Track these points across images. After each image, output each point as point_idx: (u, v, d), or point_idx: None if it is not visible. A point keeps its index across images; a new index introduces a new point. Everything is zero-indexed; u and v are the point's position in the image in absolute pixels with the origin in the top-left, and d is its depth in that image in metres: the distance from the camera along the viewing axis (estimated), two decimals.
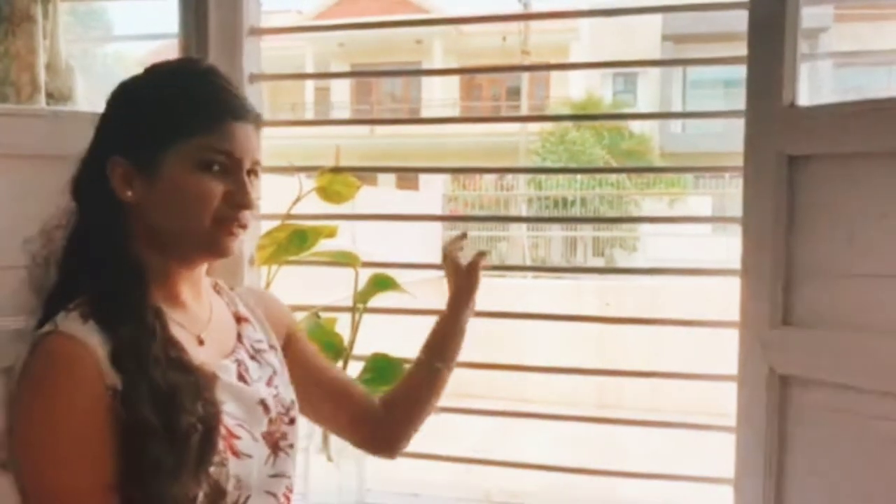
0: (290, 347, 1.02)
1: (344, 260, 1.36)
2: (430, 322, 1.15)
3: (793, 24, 1.14)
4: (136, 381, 0.77)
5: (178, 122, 0.84)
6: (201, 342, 0.89)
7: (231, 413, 0.85)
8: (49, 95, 1.32)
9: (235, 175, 0.86)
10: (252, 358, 0.94)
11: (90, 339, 0.77)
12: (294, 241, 1.34)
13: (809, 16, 1.17)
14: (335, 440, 1.28)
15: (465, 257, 1.15)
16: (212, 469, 0.80)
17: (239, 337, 0.95)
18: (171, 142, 0.83)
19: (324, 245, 1.38)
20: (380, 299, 1.37)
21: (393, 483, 1.50)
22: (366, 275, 1.37)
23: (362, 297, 1.35)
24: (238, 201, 0.86)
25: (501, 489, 1.52)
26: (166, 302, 0.86)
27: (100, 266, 0.83)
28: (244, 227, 0.88)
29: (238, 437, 0.84)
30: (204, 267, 0.93)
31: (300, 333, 1.06)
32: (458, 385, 1.15)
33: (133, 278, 0.83)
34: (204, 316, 0.92)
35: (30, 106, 1.22)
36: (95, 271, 0.83)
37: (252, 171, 0.89)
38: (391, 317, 1.43)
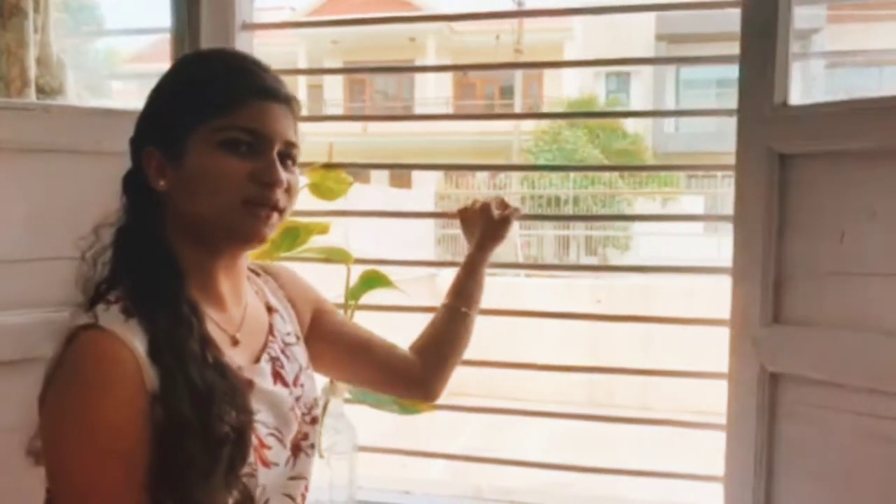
0: (318, 322, 1.02)
1: (336, 257, 1.36)
2: (422, 319, 1.16)
3: (785, 23, 1.15)
4: (175, 377, 0.74)
5: (199, 104, 0.81)
6: (236, 342, 0.86)
7: (264, 422, 0.83)
8: (39, 90, 1.32)
9: (264, 154, 0.82)
10: (282, 352, 0.92)
11: (132, 338, 0.75)
12: (286, 238, 1.33)
13: (802, 17, 1.18)
14: (326, 437, 1.28)
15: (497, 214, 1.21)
16: (243, 479, 0.78)
17: (271, 329, 0.92)
18: (194, 125, 0.81)
19: (316, 241, 1.38)
20: (371, 296, 1.37)
21: (384, 480, 1.50)
22: (357, 272, 1.37)
23: (354, 294, 1.35)
24: (265, 179, 0.81)
25: (493, 487, 1.52)
26: (204, 299, 0.84)
27: (137, 258, 0.81)
28: (277, 209, 0.84)
29: (269, 448, 0.83)
30: (244, 261, 0.90)
31: (326, 305, 1.05)
32: (452, 384, 1.16)
33: (168, 270, 0.81)
34: (239, 315, 0.89)
35: (19, 100, 1.21)
36: (133, 263, 0.81)
37: (287, 155, 0.85)
38: (383, 314, 1.43)
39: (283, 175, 0.83)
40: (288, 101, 0.85)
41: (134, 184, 0.84)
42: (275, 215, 0.84)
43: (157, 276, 0.80)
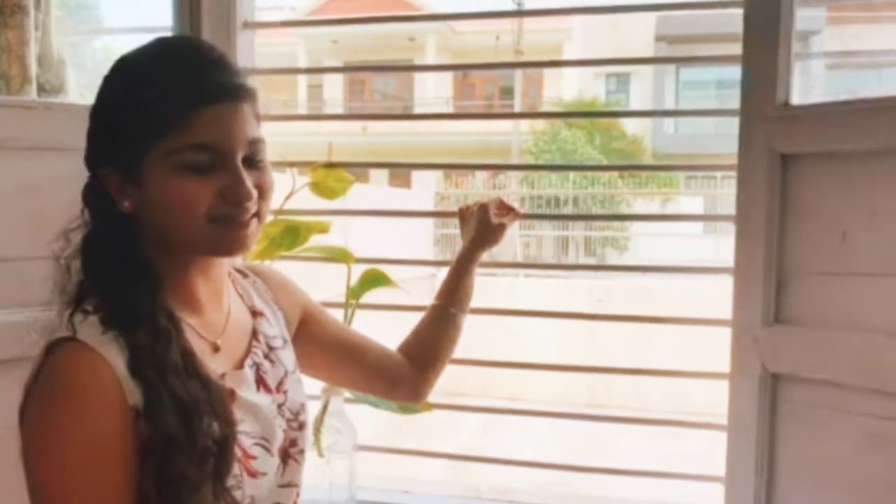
0: (307, 324, 0.99)
1: (337, 256, 1.36)
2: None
3: (787, 22, 1.15)
4: (159, 392, 0.72)
5: (149, 123, 0.75)
6: (216, 349, 0.83)
7: (248, 432, 0.81)
8: (40, 88, 1.31)
9: (228, 167, 0.76)
10: (266, 357, 0.89)
11: (111, 351, 0.72)
12: (287, 237, 1.33)
13: (801, 19, 1.18)
14: (327, 436, 1.28)
15: (496, 216, 1.20)
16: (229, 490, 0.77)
17: (255, 333, 0.89)
18: (147, 147, 0.75)
19: (315, 241, 1.37)
20: (371, 296, 1.37)
21: (384, 480, 1.50)
22: (357, 271, 1.36)
23: (355, 293, 1.35)
24: (233, 199, 0.76)
25: (491, 486, 1.52)
26: (181, 305, 0.81)
27: (108, 269, 0.77)
28: (255, 217, 0.79)
29: (254, 458, 0.81)
30: (223, 266, 0.87)
31: (315, 307, 1.03)
32: (450, 384, 1.16)
33: (142, 279, 0.77)
34: (221, 320, 0.86)
35: (21, 97, 1.21)
36: (105, 275, 0.77)
37: (254, 153, 0.79)
38: (384, 313, 1.43)
39: (251, 186, 0.77)
40: (241, 94, 0.78)
41: (95, 198, 0.79)
42: (253, 223, 0.79)
43: (131, 288, 0.76)
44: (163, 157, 0.75)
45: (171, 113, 0.74)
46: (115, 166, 0.78)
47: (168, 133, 0.74)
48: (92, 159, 0.80)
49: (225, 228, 0.78)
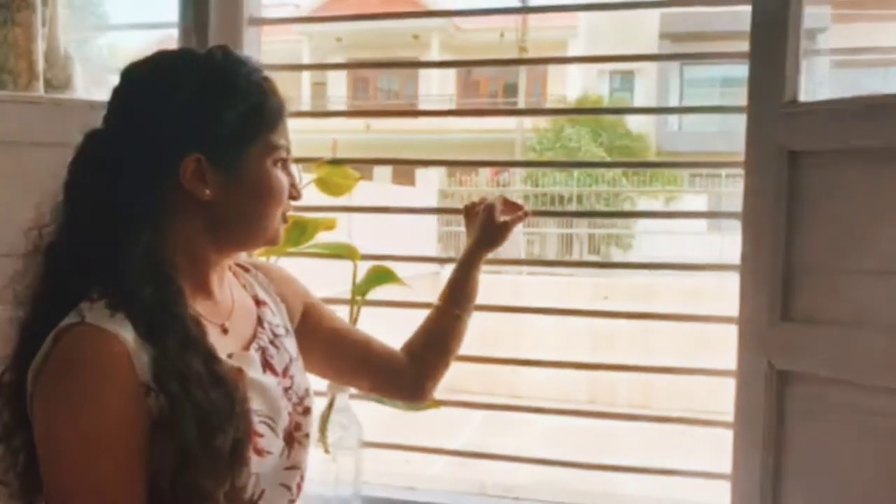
0: (309, 318, 1.02)
1: (343, 252, 1.36)
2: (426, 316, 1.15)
3: (795, 19, 1.14)
4: (182, 404, 0.73)
5: (260, 115, 0.84)
6: (225, 331, 0.87)
7: (256, 411, 0.83)
8: (47, 84, 1.32)
9: (289, 168, 0.89)
10: (271, 343, 0.92)
11: (121, 331, 0.74)
12: (293, 233, 1.33)
13: (807, 16, 1.17)
14: (332, 433, 1.28)
15: (502, 213, 1.19)
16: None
17: (259, 321, 0.93)
18: (254, 137, 0.83)
19: (321, 237, 1.37)
20: (375, 293, 1.37)
21: (389, 476, 1.50)
22: (362, 268, 1.36)
23: (361, 289, 1.35)
24: (295, 195, 0.90)
25: (496, 483, 1.52)
26: (195, 292, 0.84)
27: (132, 270, 0.77)
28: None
29: (261, 436, 0.83)
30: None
31: (316, 302, 1.05)
32: (454, 381, 1.16)
33: (170, 284, 0.79)
34: (227, 303, 0.90)
35: (30, 93, 1.21)
36: (128, 276, 0.76)
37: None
38: (389, 310, 1.43)
39: None
40: None
41: (142, 188, 0.78)
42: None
43: (160, 294, 0.77)
44: (265, 149, 0.84)
45: (276, 109, 0.85)
46: (208, 153, 0.80)
47: (272, 128, 0.85)
48: (170, 145, 0.80)
49: (282, 222, 0.89)
